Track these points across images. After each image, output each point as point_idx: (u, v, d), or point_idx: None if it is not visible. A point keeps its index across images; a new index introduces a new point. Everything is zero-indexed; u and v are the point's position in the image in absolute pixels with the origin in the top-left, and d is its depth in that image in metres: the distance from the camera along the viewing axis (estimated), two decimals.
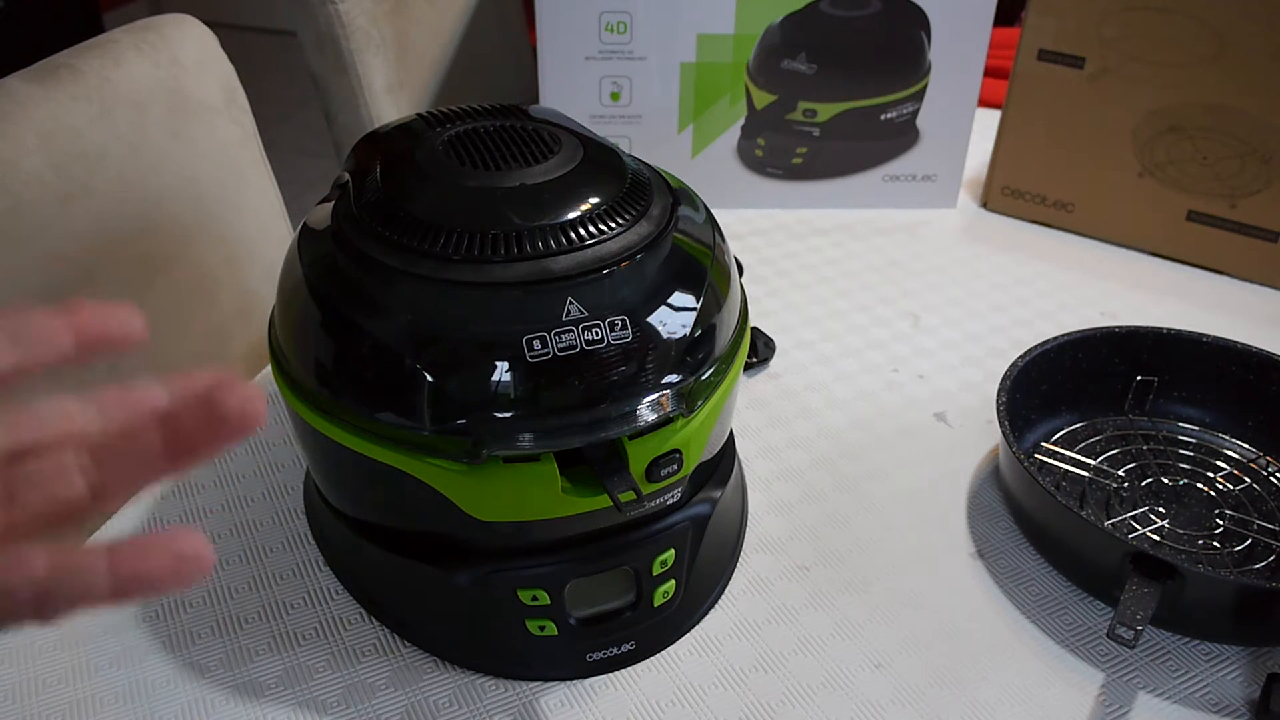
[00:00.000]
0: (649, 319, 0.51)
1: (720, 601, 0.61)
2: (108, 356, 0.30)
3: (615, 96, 0.98)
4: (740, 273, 0.65)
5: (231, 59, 0.89)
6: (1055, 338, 0.72)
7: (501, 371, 0.48)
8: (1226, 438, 0.73)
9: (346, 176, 0.56)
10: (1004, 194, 1.04)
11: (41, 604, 0.26)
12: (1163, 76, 0.91)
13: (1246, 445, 0.72)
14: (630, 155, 0.59)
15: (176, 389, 0.29)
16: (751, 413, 0.77)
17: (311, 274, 0.53)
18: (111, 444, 0.29)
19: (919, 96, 0.99)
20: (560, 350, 0.48)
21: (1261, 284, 0.94)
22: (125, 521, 0.66)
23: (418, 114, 0.60)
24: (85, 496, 0.28)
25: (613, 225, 0.51)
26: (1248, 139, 0.89)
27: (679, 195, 0.57)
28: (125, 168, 0.76)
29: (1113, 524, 0.65)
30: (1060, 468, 0.70)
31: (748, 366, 0.81)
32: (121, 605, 0.28)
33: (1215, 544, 0.65)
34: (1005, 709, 0.55)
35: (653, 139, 1.00)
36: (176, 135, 0.81)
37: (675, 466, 0.53)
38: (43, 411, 0.29)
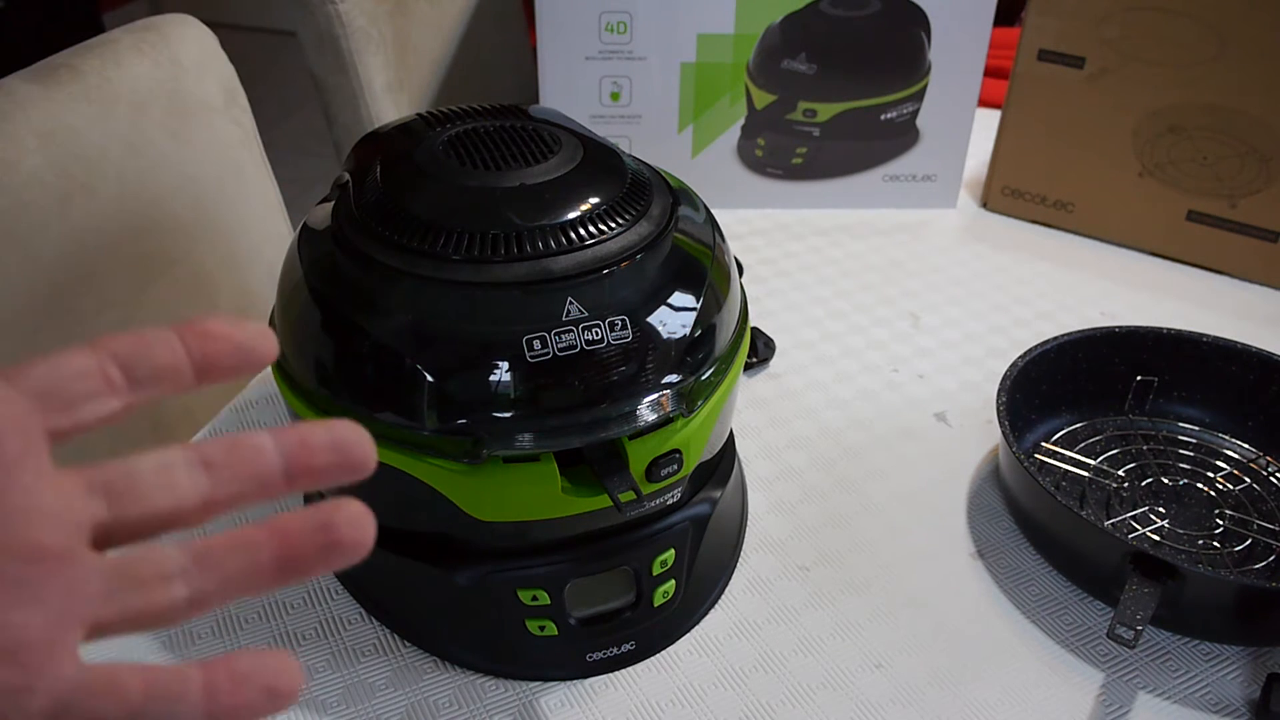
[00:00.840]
0: (649, 319, 0.51)
1: (720, 601, 0.61)
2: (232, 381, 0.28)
3: (615, 96, 0.98)
4: (740, 273, 0.65)
5: (231, 59, 0.89)
6: (1055, 338, 0.72)
7: (501, 371, 0.48)
8: (1226, 438, 0.73)
9: (346, 176, 0.56)
10: (1004, 194, 1.04)
11: None
12: (1163, 76, 0.91)
13: (1246, 445, 0.72)
14: (630, 155, 0.59)
15: (290, 450, 0.28)
16: (751, 413, 0.77)
17: (311, 274, 0.53)
18: (218, 552, 0.27)
19: (919, 96, 0.99)
20: (560, 350, 0.48)
21: (1261, 284, 0.94)
22: None
23: (418, 114, 0.60)
24: (184, 605, 0.26)
25: (613, 225, 0.51)
26: (1248, 139, 0.89)
27: (679, 195, 0.57)
28: (125, 168, 0.76)
29: (1113, 524, 0.65)
30: (1060, 468, 0.70)
31: (748, 366, 0.81)
32: None
33: (1215, 544, 0.65)
34: (1005, 709, 0.55)
35: (653, 139, 1.00)
36: (176, 135, 0.81)
37: (675, 466, 0.53)
38: (146, 475, 0.26)
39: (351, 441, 0.28)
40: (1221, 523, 0.66)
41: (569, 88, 0.97)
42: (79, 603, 0.24)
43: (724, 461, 0.64)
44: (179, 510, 0.26)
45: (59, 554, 0.24)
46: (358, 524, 0.27)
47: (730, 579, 0.63)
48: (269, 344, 0.28)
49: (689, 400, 0.52)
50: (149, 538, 0.26)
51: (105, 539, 0.26)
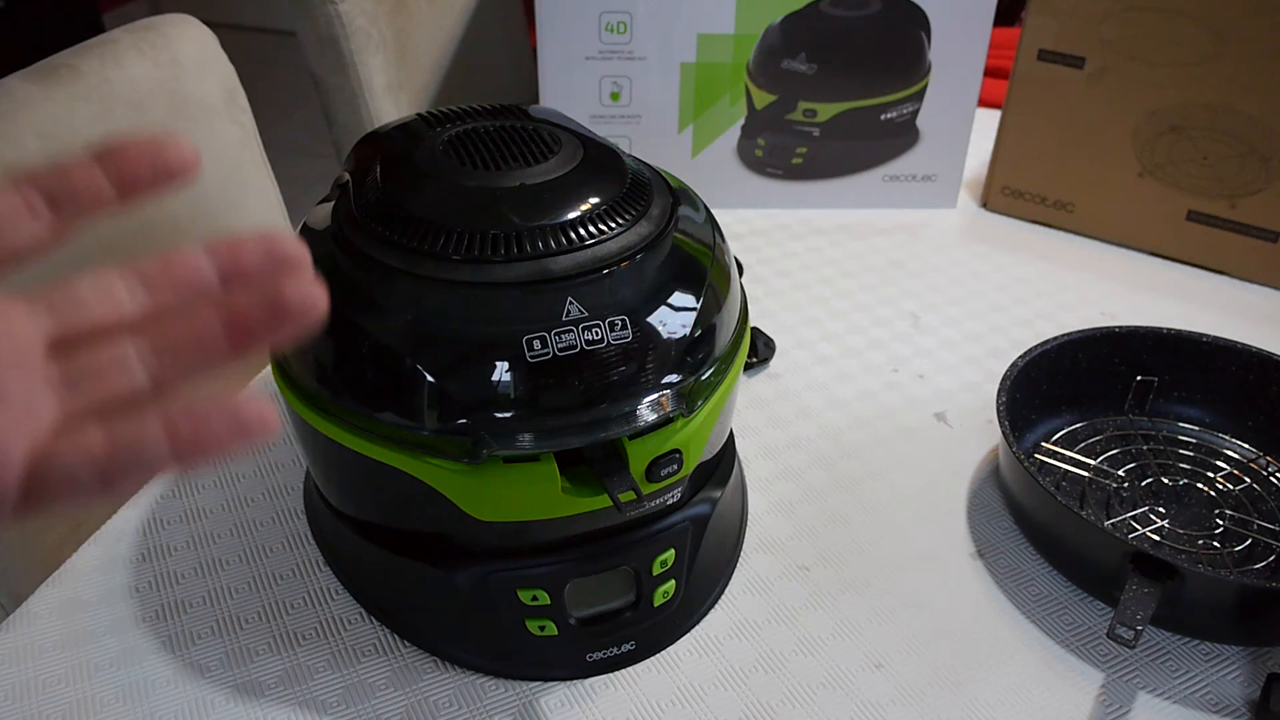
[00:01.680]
0: (649, 319, 0.51)
1: (720, 601, 0.61)
2: (157, 196, 0.28)
3: (615, 96, 0.98)
4: (740, 273, 0.65)
5: (231, 59, 0.89)
6: (1055, 338, 0.72)
7: (501, 371, 0.48)
8: (1226, 438, 0.73)
9: (346, 176, 0.56)
10: (1004, 194, 1.04)
11: (105, 479, 0.26)
12: (1163, 76, 0.91)
13: (1246, 445, 0.72)
14: (630, 155, 0.59)
15: (223, 259, 0.28)
16: (751, 413, 0.77)
17: None
18: (170, 331, 0.28)
19: (919, 96, 0.99)
20: (560, 350, 0.48)
21: (1261, 284, 0.94)
22: (125, 522, 0.66)
23: (418, 114, 0.60)
24: (147, 388, 0.27)
25: (613, 225, 0.51)
26: (1248, 139, 0.89)
27: (679, 195, 0.57)
28: None
29: (1113, 524, 0.65)
30: (1060, 468, 0.70)
31: (748, 366, 0.81)
32: (188, 471, 0.28)
33: (1215, 544, 0.65)
34: (1005, 709, 0.55)
35: (653, 139, 1.00)
36: (176, 135, 0.81)
37: (675, 466, 0.53)
38: (85, 292, 0.28)
39: (280, 238, 0.28)
40: (1221, 523, 0.66)
41: (569, 88, 0.97)
42: (41, 399, 0.26)
43: (724, 461, 0.64)
44: (121, 321, 0.28)
45: (13, 360, 0.26)
46: (306, 292, 0.27)
47: (730, 579, 0.63)
48: (186, 152, 0.28)
49: (689, 400, 0.52)
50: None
51: (55, 352, 0.27)
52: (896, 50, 0.97)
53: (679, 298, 0.52)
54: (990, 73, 1.05)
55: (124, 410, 0.27)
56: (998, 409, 0.66)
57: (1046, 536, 0.64)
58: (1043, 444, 0.72)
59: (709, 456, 0.59)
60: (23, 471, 0.25)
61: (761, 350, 0.82)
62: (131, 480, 0.26)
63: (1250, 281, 0.94)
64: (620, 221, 0.52)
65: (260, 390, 0.77)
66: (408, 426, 0.50)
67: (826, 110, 0.99)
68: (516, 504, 0.52)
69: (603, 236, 0.51)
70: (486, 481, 0.50)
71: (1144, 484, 0.69)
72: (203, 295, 0.28)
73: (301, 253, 0.29)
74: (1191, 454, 0.72)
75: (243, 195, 0.89)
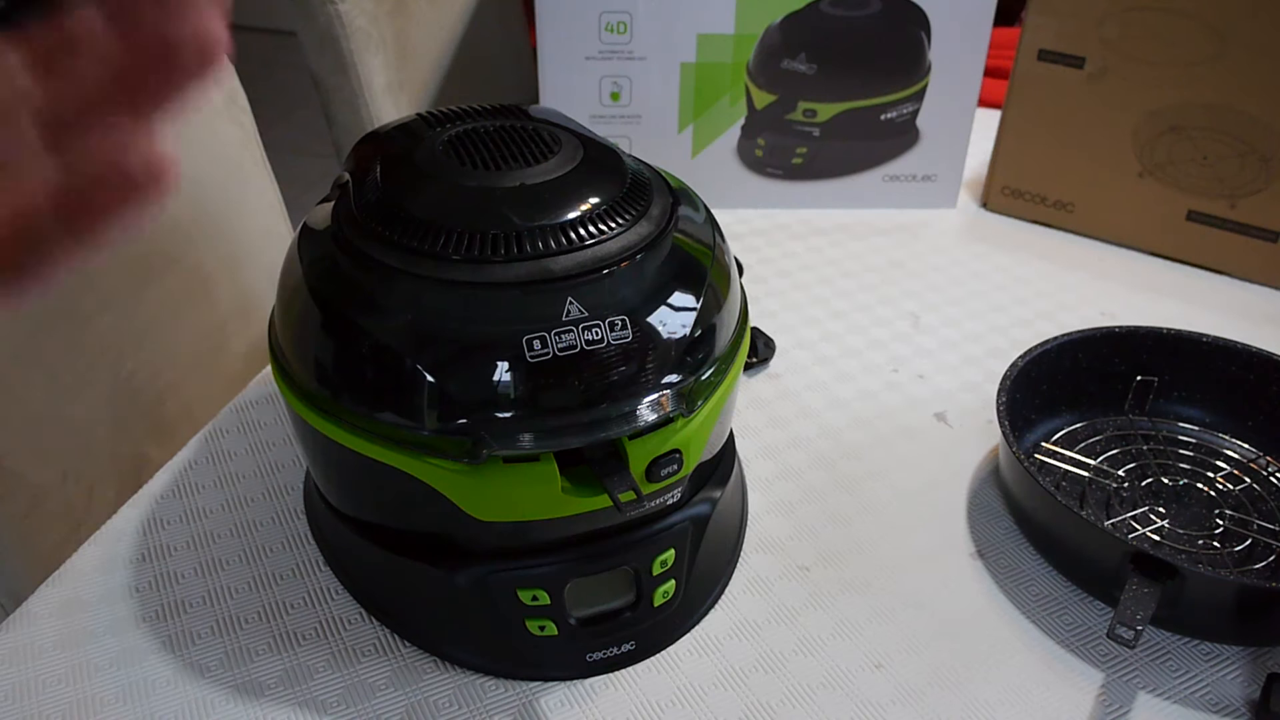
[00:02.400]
0: (649, 319, 0.51)
1: (720, 601, 0.61)
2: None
3: (615, 96, 0.98)
4: (740, 273, 0.65)
5: (231, 59, 0.89)
6: (1055, 338, 0.72)
7: (501, 371, 0.48)
8: (1226, 438, 0.73)
9: (346, 176, 0.56)
10: (1004, 194, 1.04)
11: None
12: (1163, 76, 0.91)
13: (1246, 445, 0.72)
14: (630, 155, 0.59)
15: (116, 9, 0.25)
16: (751, 413, 0.77)
17: (311, 274, 0.53)
18: (61, 92, 0.25)
19: (919, 96, 0.99)
20: (560, 350, 0.48)
21: (1261, 284, 0.94)
22: (125, 522, 0.66)
23: (418, 114, 0.60)
24: (32, 165, 0.25)
25: (612, 225, 0.51)
26: (1248, 139, 0.89)
27: (679, 195, 0.57)
28: None
29: (1113, 524, 0.65)
30: (1060, 468, 0.70)
31: (748, 366, 0.81)
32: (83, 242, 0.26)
33: (1215, 544, 0.65)
34: (1005, 709, 0.55)
35: (653, 139, 1.00)
36: (176, 135, 0.81)
37: (675, 466, 0.53)
38: None
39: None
40: (1221, 523, 0.66)
41: (569, 88, 0.97)
42: None
43: (724, 461, 0.64)
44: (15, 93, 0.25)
45: None
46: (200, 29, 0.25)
47: (730, 579, 0.63)
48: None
49: (689, 400, 0.52)
50: None
51: None
52: (896, 50, 0.97)
53: (679, 298, 0.52)
54: (990, 73, 1.05)
55: (11, 176, 0.24)
56: (998, 409, 0.66)
57: (1046, 536, 0.64)
58: (1043, 444, 0.72)
59: (709, 456, 0.59)
60: None
61: (761, 350, 0.82)
62: (22, 263, 0.25)
63: (1250, 281, 0.94)
64: (620, 221, 0.52)
65: (260, 390, 0.77)
66: (408, 426, 0.50)
67: (826, 110, 0.99)
68: (516, 504, 0.52)
69: (603, 236, 0.51)
70: (486, 481, 0.50)
71: (1144, 484, 0.69)
72: (95, 53, 0.25)
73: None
74: (1191, 454, 0.72)
75: (243, 195, 0.89)
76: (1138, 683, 0.57)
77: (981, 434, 0.75)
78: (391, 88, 1.17)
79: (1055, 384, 0.72)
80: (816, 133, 1.00)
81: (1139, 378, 0.74)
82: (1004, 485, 0.69)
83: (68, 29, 0.25)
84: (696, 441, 0.54)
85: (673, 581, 0.58)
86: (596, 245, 0.50)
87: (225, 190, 0.86)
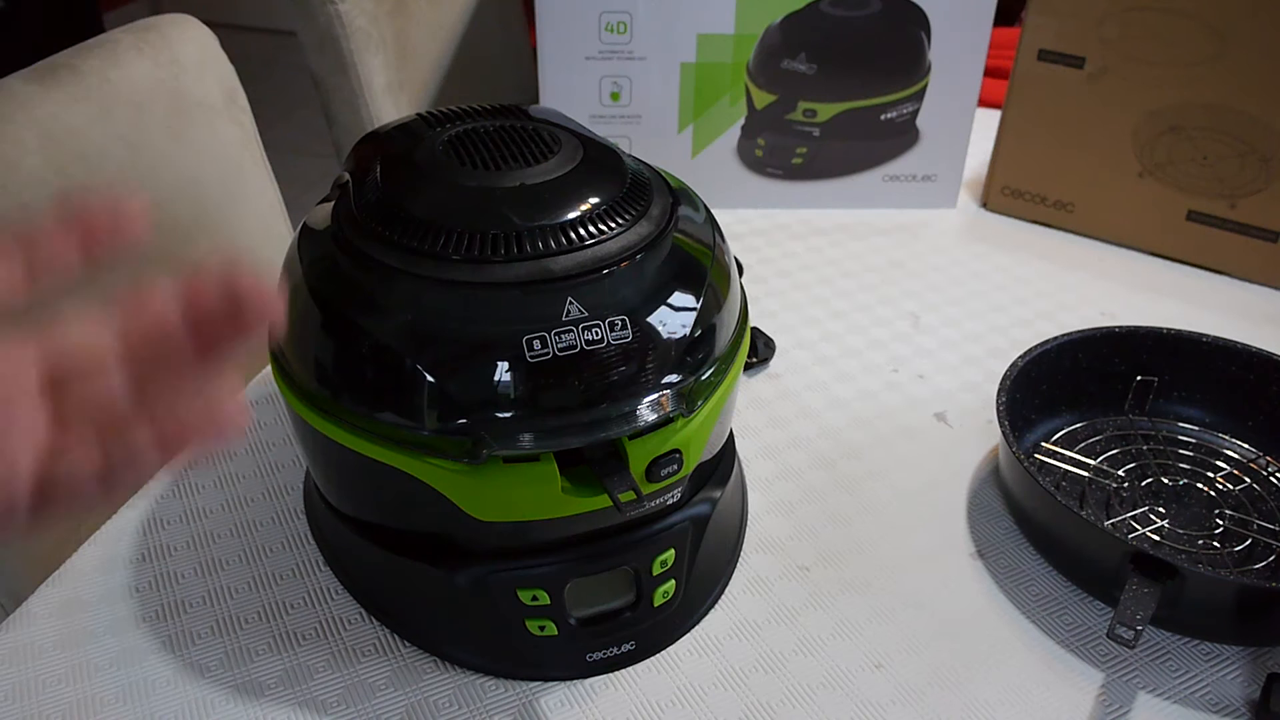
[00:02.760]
0: (649, 319, 0.51)
1: (720, 601, 0.61)
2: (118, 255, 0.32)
3: (615, 96, 0.98)
4: (740, 273, 0.65)
5: (231, 59, 0.89)
6: (1055, 338, 0.72)
7: (501, 371, 0.48)
8: (1226, 438, 0.73)
9: (346, 176, 0.56)
10: (1004, 194, 1.04)
11: (105, 483, 0.31)
12: (1163, 76, 0.91)
13: (1246, 445, 0.72)
14: (630, 155, 0.59)
15: (187, 289, 0.32)
16: (751, 413, 0.77)
17: (311, 274, 0.53)
18: (147, 355, 0.32)
19: (919, 96, 0.99)
20: (560, 350, 0.48)
21: (1261, 284, 0.94)
22: (125, 522, 0.66)
23: (418, 114, 0.60)
24: (129, 409, 0.31)
25: (612, 225, 0.51)
26: (1248, 139, 0.89)
27: (679, 195, 0.57)
28: (125, 168, 0.76)
29: (1113, 524, 0.65)
30: (1060, 468, 0.70)
31: (748, 366, 0.81)
32: (176, 466, 0.32)
33: (1215, 544, 0.65)
34: (1005, 709, 0.55)
35: (653, 139, 1.00)
36: (176, 135, 0.81)
37: (675, 466, 0.53)
38: (72, 332, 0.32)
39: (238, 274, 0.32)
40: (1221, 523, 0.66)
41: (569, 88, 0.97)
42: (42, 426, 0.31)
43: (724, 461, 0.64)
44: (103, 355, 0.32)
45: (15, 396, 0.31)
46: (251, 282, 0.31)
47: (730, 579, 0.63)
48: (135, 209, 0.33)
49: (689, 400, 0.52)
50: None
51: (50, 386, 0.32)
52: (896, 50, 0.97)
53: (679, 298, 0.52)
54: (990, 73, 1.05)
55: (113, 426, 0.31)
56: (998, 409, 0.66)
57: (1046, 536, 0.64)
58: (1043, 444, 0.72)
59: (709, 456, 0.59)
60: (31, 486, 0.30)
61: (761, 350, 0.82)
62: (128, 483, 0.31)
63: (1250, 281, 0.94)
64: (620, 221, 0.52)
65: (260, 390, 0.77)
66: (408, 426, 0.50)
67: (826, 110, 0.99)
68: (516, 504, 0.52)
69: (603, 236, 0.51)
70: (486, 481, 0.50)
71: (1144, 484, 0.69)
72: (170, 324, 0.32)
73: (257, 285, 0.32)
74: (1191, 454, 0.72)
75: (243, 195, 0.89)
76: (1138, 683, 0.57)
77: (981, 434, 0.75)
78: (391, 88, 1.17)
79: (1055, 384, 0.72)
80: (816, 133, 1.00)
81: (1139, 378, 0.74)
82: (1004, 485, 0.69)
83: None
84: (696, 441, 0.54)
85: (673, 581, 0.58)
86: (596, 245, 0.50)
87: (225, 190, 0.86)
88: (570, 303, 0.49)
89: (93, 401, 0.31)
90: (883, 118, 1.00)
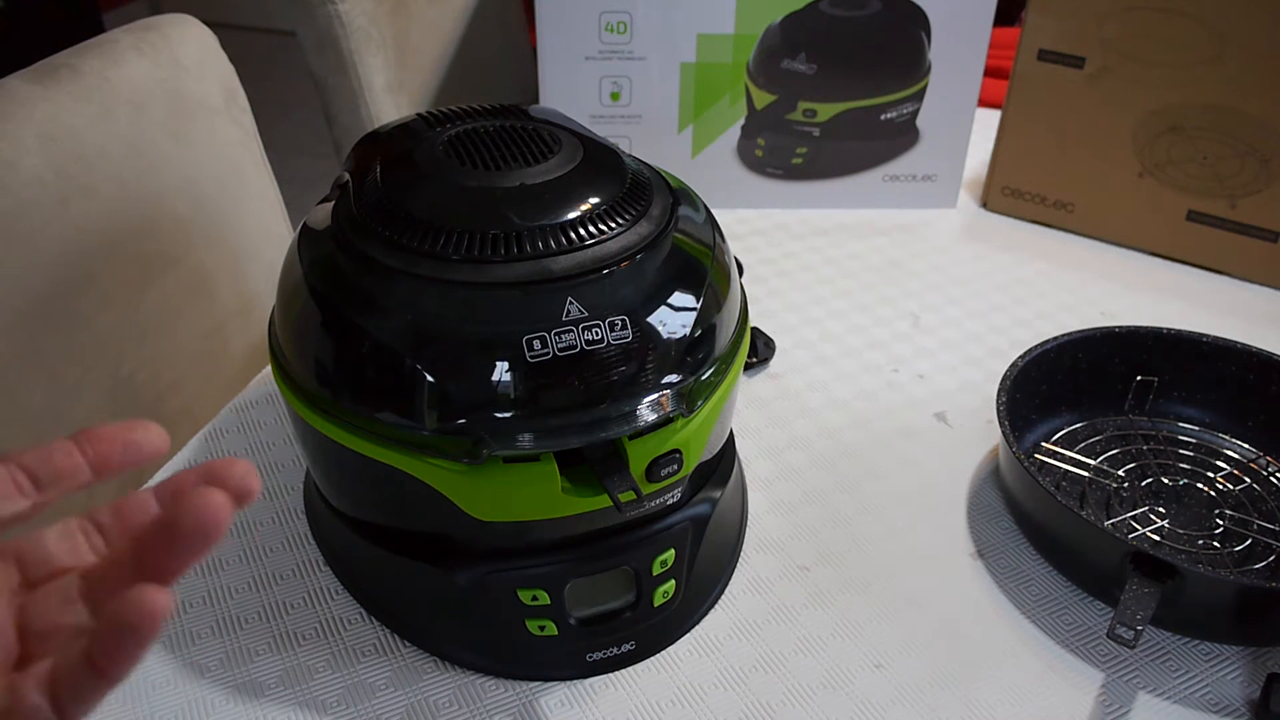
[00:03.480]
0: (649, 319, 0.51)
1: (720, 601, 0.61)
2: (125, 471, 0.33)
3: (615, 96, 0.98)
4: (740, 273, 0.65)
5: (231, 59, 0.89)
6: (1055, 338, 0.72)
7: (501, 371, 0.48)
8: (1226, 438, 0.73)
9: (346, 176, 0.56)
10: (1004, 194, 1.04)
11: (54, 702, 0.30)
12: (1163, 76, 0.91)
13: (1246, 445, 0.72)
14: (630, 155, 0.59)
15: (167, 491, 0.33)
16: (751, 413, 0.77)
17: (311, 274, 0.53)
18: (119, 559, 0.31)
19: (919, 96, 0.99)
20: (560, 350, 0.48)
21: (1261, 284, 0.94)
22: None
23: (418, 114, 0.60)
24: (89, 622, 0.31)
25: (612, 225, 0.51)
26: (1248, 139, 0.89)
27: (679, 195, 0.57)
28: (125, 168, 0.76)
29: (1113, 524, 0.65)
30: (1060, 468, 0.70)
31: (748, 366, 0.81)
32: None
33: (1215, 544, 0.65)
34: (1005, 709, 0.55)
35: (653, 139, 1.00)
36: (176, 135, 0.81)
37: (675, 466, 0.53)
38: (51, 545, 0.33)
39: (230, 474, 0.31)
40: (1221, 523, 0.66)
41: (569, 88, 0.97)
42: (9, 638, 0.31)
43: (724, 461, 0.64)
44: (78, 566, 0.33)
45: None
46: (237, 470, 0.31)
47: (730, 579, 0.63)
48: (155, 438, 0.33)
49: (689, 400, 0.52)
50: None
51: (17, 593, 0.32)
52: (896, 50, 0.97)
53: (679, 298, 0.52)
54: (990, 73, 1.05)
55: (65, 638, 0.31)
56: (998, 409, 0.66)
57: (1046, 536, 0.64)
58: (1043, 444, 0.72)
59: (709, 456, 0.59)
60: None
61: (761, 350, 0.82)
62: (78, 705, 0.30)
63: (1250, 281, 0.94)
64: (620, 221, 0.52)
65: (260, 390, 0.77)
66: (408, 426, 0.50)
67: (826, 110, 0.99)
68: (516, 504, 0.52)
69: (603, 236, 0.51)
70: (486, 481, 0.50)
71: (1144, 484, 0.69)
72: (147, 532, 0.31)
73: (248, 479, 0.32)
74: (1191, 454, 0.72)
75: (243, 195, 0.89)
76: (1138, 683, 0.57)
77: (981, 434, 0.75)
78: (391, 88, 1.17)
79: (1055, 384, 0.72)
80: (816, 133, 1.00)
81: (1139, 378, 0.74)
82: (1004, 485, 0.69)
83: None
84: (696, 441, 0.54)
85: (673, 581, 0.58)
86: (596, 245, 0.50)
87: (225, 190, 0.86)
88: (570, 303, 0.49)
89: (52, 616, 0.31)
90: (883, 118, 1.00)
